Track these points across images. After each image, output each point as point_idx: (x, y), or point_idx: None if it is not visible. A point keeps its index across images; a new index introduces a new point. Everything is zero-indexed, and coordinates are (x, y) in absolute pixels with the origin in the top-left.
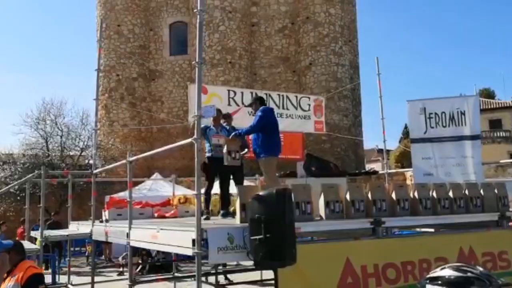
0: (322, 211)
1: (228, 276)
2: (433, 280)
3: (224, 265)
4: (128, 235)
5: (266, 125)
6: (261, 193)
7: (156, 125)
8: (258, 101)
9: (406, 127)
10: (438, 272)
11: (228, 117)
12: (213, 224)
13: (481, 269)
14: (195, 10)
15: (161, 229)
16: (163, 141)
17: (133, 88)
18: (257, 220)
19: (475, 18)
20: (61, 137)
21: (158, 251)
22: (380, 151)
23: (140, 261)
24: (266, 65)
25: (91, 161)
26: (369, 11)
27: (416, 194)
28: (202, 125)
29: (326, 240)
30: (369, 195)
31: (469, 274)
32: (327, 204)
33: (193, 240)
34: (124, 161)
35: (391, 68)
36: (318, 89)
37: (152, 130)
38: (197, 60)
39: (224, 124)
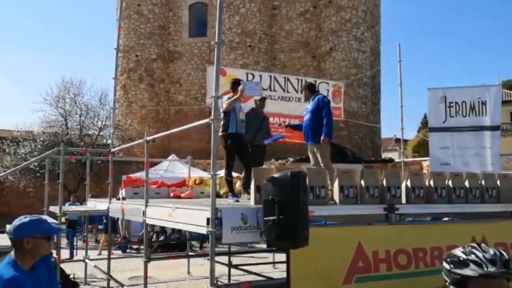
0: (336, 195)
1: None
2: (445, 259)
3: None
4: (144, 213)
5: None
6: (275, 175)
7: (173, 106)
8: (308, 89)
9: (425, 117)
10: (452, 251)
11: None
12: (227, 204)
13: (494, 251)
14: None
15: (176, 207)
16: (180, 123)
17: (152, 69)
18: (271, 201)
19: (504, 7)
20: (80, 115)
21: (173, 231)
22: (397, 140)
23: (154, 240)
24: (286, 49)
25: (109, 141)
26: None
27: (431, 182)
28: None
29: (339, 224)
30: (384, 182)
31: (471, 256)
32: (341, 189)
33: (208, 219)
34: (141, 141)
35: (412, 56)
36: (338, 75)
37: (170, 112)
38: (216, 41)
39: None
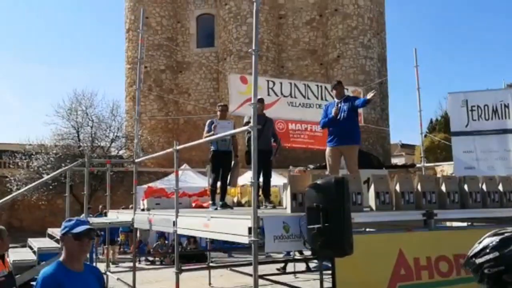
0: (372, 201)
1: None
2: (478, 254)
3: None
4: (174, 223)
5: None
6: (319, 181)
7: (183, 116)
8: (342, 86)
9: (431, 121)
10: (479, 246)
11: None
12: (267, 213)
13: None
14: None
15: (212, 217)
16: (190, 133)
17: (160, 80)
18: (315, 208)
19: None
20: (91, 127)
21: (189, 242)
22: (403, 146)
23: (169, 251)
24: (293, 57)
25: (120, 152)
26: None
27: (466, 187)
28: (209, 120)
29: (379, 231)
30: (419, 187)
31: (506, 234)
32: (377, 195)
33: (249, 228)
34: (170, 150)
35: (419, 61)
36: (346, 82)
37: (179, 121)
38: (253, 48)
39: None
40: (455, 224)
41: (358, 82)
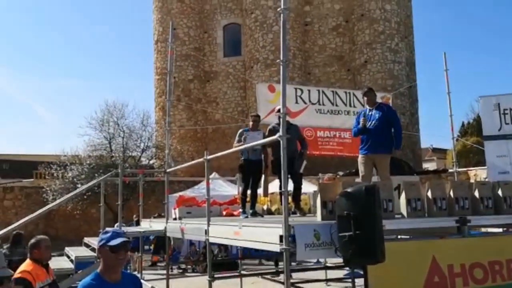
0: (403, 208)
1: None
2: None
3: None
4: (206, 232)
5: None
6: (349, 189)
7: (211, 125)
8: (373, 93)
9: (463, 125)
10: None
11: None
12: (298, 221)
13: None
14: (278, 9)
15: (244, 225)
16: (218, 141)
17: (189, 90)
18: (346, 216)
19: None
20: (123, 138)
21: (220, 249)
22: (434, 150)
23: (201, 259)
24: (320, 64)
25: (151, 161)
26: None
27: (500, 192)
28: (240, 130)
29: (411, 238)
30: (451, 193)
31: None
32: (408, 202)
33: (281, 237)
34: (201, 159)
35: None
36: (374, 87)
37: (208, 130)
38: (281, 59)
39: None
40: (489, 230)
41: (386, 87)
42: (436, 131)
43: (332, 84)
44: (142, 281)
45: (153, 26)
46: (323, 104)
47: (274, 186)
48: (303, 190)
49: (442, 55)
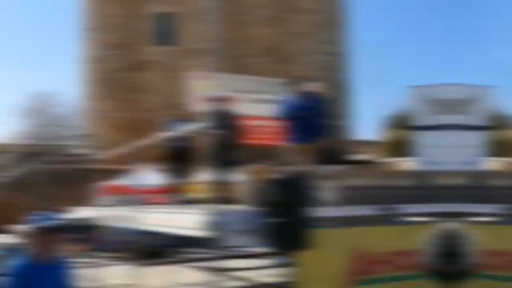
0: (331, 196)
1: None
2: None
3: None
4: (136, 219)
5: None
6: (277, 177)
7: (143, 114)
8: (297, 84)
9: (395, 116)
10: None
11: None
12: (226, 208)
13: None
14: None
15: (172, 212)
16: (150, 131)
17: (119, 79)
18: (274, 204)
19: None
20: (51, 126)
21: (150, 237)
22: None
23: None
24: (252, 54)
25: (81, 150)
26: None
27: (427, 181)
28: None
29: (338, 225)
30: (379, 182)
31: None
32: (336, 190)
33: (208, 223)
34: (130, 147)
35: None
36: (306, 77)
37: (139, 120)
38: (213, 46)
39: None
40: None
41: (318, 77)
42: (369, 122)
43: (264, 74)
44: (71, 266)
45: (81, 14)
46: (253, 93)
47: (203, 174)
48: (232, 179)
49: (377, 46)
